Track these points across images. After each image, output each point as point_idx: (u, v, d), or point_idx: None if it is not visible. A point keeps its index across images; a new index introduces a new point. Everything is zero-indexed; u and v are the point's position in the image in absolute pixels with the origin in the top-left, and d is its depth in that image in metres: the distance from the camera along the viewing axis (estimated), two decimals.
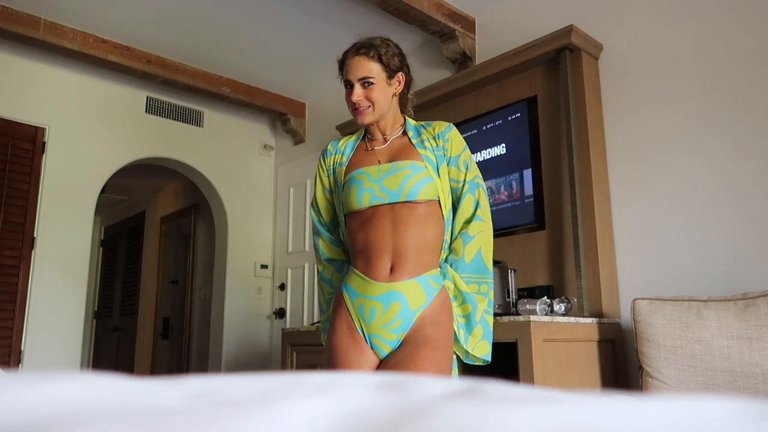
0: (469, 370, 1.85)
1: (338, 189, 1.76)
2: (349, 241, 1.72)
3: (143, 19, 3.65)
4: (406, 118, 1.80)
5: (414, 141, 1.73)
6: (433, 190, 1.66)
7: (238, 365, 4.61)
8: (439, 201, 1.67)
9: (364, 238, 1.65)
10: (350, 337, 1.62)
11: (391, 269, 1.61)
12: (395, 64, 1.71)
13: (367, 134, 1.81)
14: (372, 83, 1.68)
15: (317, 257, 1.85)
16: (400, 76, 1.74)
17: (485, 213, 1.70)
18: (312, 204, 1.87)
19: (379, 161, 1.71)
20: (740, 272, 2.30)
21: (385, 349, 1.59)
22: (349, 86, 1.70)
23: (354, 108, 1.70)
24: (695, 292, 2.34)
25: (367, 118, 1.70)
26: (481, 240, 1.67)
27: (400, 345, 1.58)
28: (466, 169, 1.70)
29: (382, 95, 1.69)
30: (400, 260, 1.60)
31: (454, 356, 1.64)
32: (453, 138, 1.72)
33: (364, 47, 1.70)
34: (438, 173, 1.68)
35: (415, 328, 1.57)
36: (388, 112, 1.74)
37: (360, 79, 1.68)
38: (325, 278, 1.81)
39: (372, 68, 1.68)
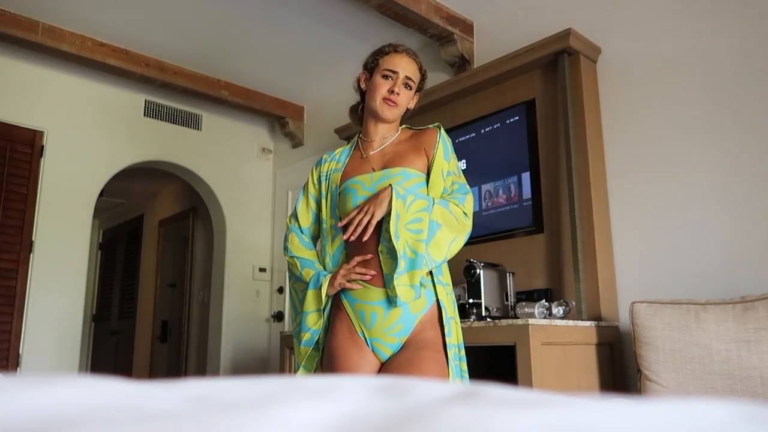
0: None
1: (331, 195, 1.78)
2: (348, 250, 1.73)
3: (141, 22, 3.66)
4: (400, 127, 1.85)
5: (405, 147, 1.76)
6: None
7: (237, 368, 4.60)
8: None
9: (362, 246, 1.66)
10: (351, 339, 1.63)
11: None
12: (423, 83, 1.84)
13: (361, 139, 1.83)
14: (411, 87, 1.77)
15: (285, 253, 1.84)
16: (417, 95, 1.84)
17: (466, 216, 1.69)
18: (291, 216, 1.87)
19: (373, 169, 1.74)
20: (739, 275, 2.30)
21: (387, 353, 1.61)
22: (389, 77, 1.74)
23: (389, 98, 1.73)
24: (694, 296, 2.34)
25: (394, 113, 1.76)
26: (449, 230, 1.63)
27: (401, 348, 1.60)
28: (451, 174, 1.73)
29: (406, 102, 1.78)
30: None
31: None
32: (442, 141, 1.76)
33: (414, 54, 1.79)
34: (428, 179, 1.72)
35: (416, 331, 1.60)
36: (396, 120, 1.81)
37: (406, 77, 1.75)
38: (294, 274, 1.80)
39: (417, 75, 1.79)
